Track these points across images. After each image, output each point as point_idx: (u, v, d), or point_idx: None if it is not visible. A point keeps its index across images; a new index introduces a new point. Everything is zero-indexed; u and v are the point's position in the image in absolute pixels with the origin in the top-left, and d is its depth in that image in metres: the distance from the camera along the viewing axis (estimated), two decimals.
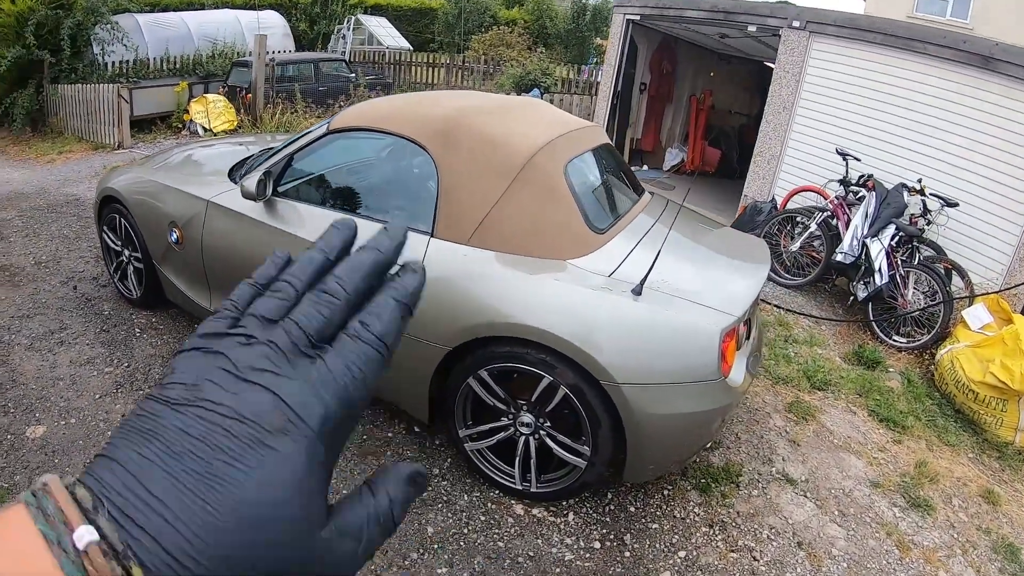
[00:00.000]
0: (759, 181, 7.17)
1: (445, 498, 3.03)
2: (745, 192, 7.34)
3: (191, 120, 11.46)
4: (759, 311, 3.59)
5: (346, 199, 3.44)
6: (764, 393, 4.08)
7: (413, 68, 17.30)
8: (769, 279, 5.55)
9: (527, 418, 2.82)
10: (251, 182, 3.26)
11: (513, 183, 2.84)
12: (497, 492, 3.05)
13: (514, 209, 2.84)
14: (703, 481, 3.27)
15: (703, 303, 2.67)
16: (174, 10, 19.10)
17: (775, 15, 7.00)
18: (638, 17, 8.59)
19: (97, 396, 3.65)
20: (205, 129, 11.27)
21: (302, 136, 3.47)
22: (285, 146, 3.48)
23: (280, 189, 3.40)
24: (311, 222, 3.24)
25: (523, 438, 2.87)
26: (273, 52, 12.90)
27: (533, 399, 2.77)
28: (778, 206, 6.69)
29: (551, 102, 9.68)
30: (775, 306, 5.34)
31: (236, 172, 3.86)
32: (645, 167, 9.94)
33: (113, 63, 12.63)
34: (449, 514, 2.94)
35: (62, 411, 3.55)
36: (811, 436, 3.75)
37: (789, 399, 4.02)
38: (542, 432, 2.83)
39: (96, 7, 12.05)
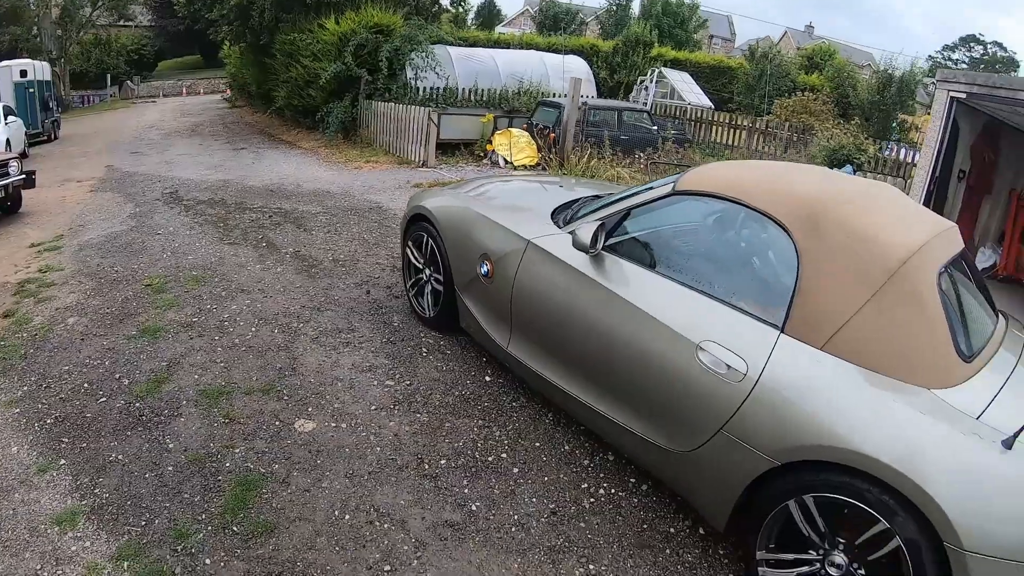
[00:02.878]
0: None
1: None
2: None
3: (493, 151, 12.11)
4: None
5: (684, 268, 3.17)
6: None
7: (714, 127, 17.07)
8: None
9: (839, 559, 2.47)
10: (586, 233, 3.17)
11: (884, 287, 2.57)
12: None
13: (879, 318, 2.56)
14: None
15: None
16: (483, 46, 20.95)
17: None
18: (964, 95, 7.72)
19: (373, 407, 3.53)
20: (506, 161, 11.82)
21: (641, 192, 3.39)
22: (620, 199, 3.43)
23: (609, 243, 3.29)
24: (639, 285, 3.12)
25: None
26: (586, 96, 13.36)
27: (857, 542, 2.42)
28: None
29: None
30: None
31: (559, 215, 3.79)
32: None
33: (425, 88, 13.84)
34: None
35: (335, 413, 3.47)
36: None
37: None
38: None
39: (414, 35, 13.52)
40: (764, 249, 3.09)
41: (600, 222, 3.23)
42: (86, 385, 3.79)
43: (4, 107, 13.93)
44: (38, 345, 4.31)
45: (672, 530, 3.01)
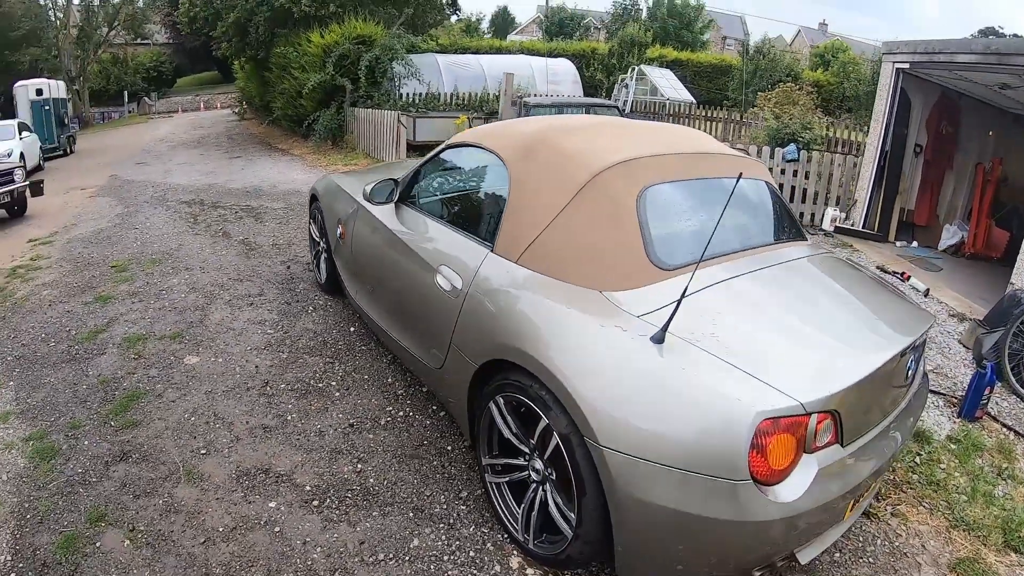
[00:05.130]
0: None
1: (451, 520, 2.90)
2: (1012, 280, 6.07)
3: None
4: (904, 402, 2.73)
5: (448, 211, 3.72)
6: (930, 535, 3.07)
7: (692, 121, 17.80)
8: (1012, 391, 4.50)
9: (538, 463, 2.55)
10: (371, 186, 3.80)
11: (572, 201, 2.67)
12: (506, 536, 2.83)
13: (568, 230, 2.66)
14: None
15: (756, 374, 2.08)
16: (485, 53, 21.92)
17: None
18: (907, 65, 7.80)
19: (248, 348, 4.41)
20: None
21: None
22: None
23: (409, 198, 3.79)
24: (414, 227, 3.55)
25: (533, 485, 2.60)
26: (528, 95, 14.14)
27: (533, 441, 2.53)
28: None
29: (808, 160, 9.25)
30: (1004, 426, 4.13)
31: None
32: (915, 243, 8.66)
33: (406, 94, 14.83)
34: (444, 537, 2.81)
35: (218, 351, 4.37)
36: None
37: (962, 552, 2.98)
38: (549, 484, 2.52)
39: (392, 45, 14.43)
40: (492, 182, 3.40)
41: (392, 179, 3.81)
42: (43, 335, 4.75)
43: (19, 123, 15.15)
44: (15, 310, 5.31)
45: (449, 447, 3.43)
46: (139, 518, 2.89)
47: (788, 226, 3.35)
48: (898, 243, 8.63)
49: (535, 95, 15.83)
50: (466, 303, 2.86)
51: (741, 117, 16.89)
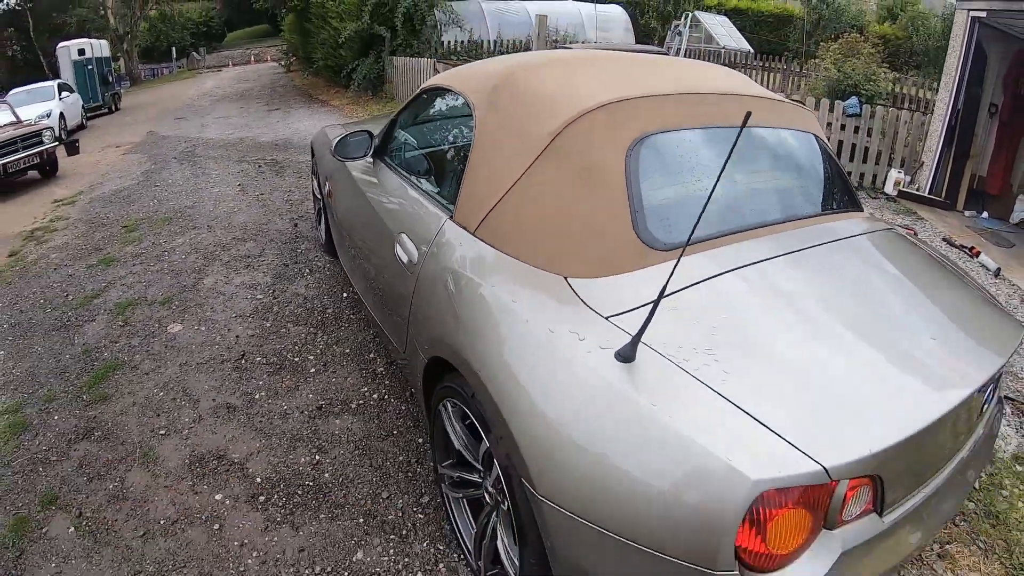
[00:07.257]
0: None
1: (403, 531, 2.54)
2: None
3: None
4: (975, 436, 2.03)
5: (418, 168, 3.14)
6: None
7: (748, 71, 16.91)
8: None
9: (491, 487, 2.10)
10: (338, 140, 3.35)
11: (542, 155, 2.10)
12: (462, 558, 2.41)
13: (534, 193, 2.10)
14: None
15: (763, 418, 1.46)
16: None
17: None
18: (984, 13, 7.01)
19: (232, 315, 4.21)
20: None
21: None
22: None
23: (394, 156, 3.31)
24: (388, 189, 3.08)
25: (487, 508, 2.14)
26: (575, 42, 13.54)
27: (480, 461, 2.14)
28: None
29: (871, 116, 8.52)
30: None
31: None
32: (985, 214, 7.86)
33: (447, 42, 14.40)
34: (392, 551, 2.46)
35: (202, 319, 4.18)
36: None
37: None
38: (498, 514, 2.10)
39: None
40: (462, 133, 2.90)
41: (366, 130, 3.37)
42: (42, 301, 4.69)
43: (60, 84, 15.33)
44: (22, 274, 5.28)
45: (421, 440, 3.03)
46: (88, 503, 2.74)
47: (839, 193, 2.66)
48: (967, 212, 7.74)
49: (583, 43, 15.23)
50: (419, 281, 2.42)
51: (801, 68, 15.96)
